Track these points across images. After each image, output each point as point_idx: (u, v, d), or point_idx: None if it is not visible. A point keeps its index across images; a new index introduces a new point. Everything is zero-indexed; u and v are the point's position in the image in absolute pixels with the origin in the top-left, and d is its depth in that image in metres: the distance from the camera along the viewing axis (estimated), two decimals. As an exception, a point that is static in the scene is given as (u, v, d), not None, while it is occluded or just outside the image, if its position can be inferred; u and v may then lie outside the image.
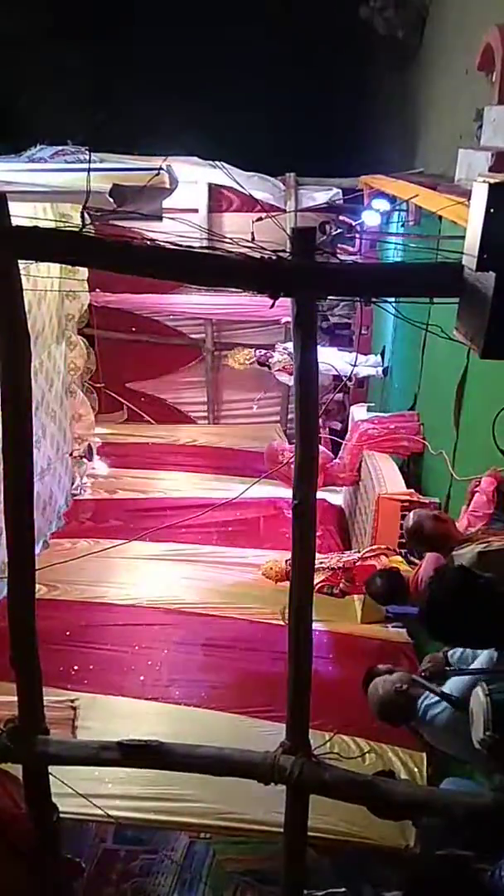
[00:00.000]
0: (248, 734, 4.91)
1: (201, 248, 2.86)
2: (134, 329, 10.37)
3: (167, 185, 4.74)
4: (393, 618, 5.90)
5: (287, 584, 4.77)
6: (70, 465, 8.96)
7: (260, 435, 9.87)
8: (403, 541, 5.52)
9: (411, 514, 4.05)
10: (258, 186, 8.91)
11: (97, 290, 9.65)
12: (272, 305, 2.75)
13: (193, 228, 3.02)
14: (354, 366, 8.39)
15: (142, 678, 5.60)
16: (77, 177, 4.57)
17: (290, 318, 9.47)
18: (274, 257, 2.65)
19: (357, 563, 5.51)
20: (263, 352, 9.23)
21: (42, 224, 2.91)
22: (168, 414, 10.79)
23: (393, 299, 3.03)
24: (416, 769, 4.64)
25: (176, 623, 6.22)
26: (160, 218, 6.99)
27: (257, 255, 2.71)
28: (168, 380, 10.76)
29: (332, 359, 8.32)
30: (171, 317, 10.31)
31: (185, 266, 2.75)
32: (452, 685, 2.95)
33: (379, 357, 8.91)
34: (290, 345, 9.00)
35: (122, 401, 10.66)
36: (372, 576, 4.53)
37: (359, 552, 5.72)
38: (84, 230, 2.78)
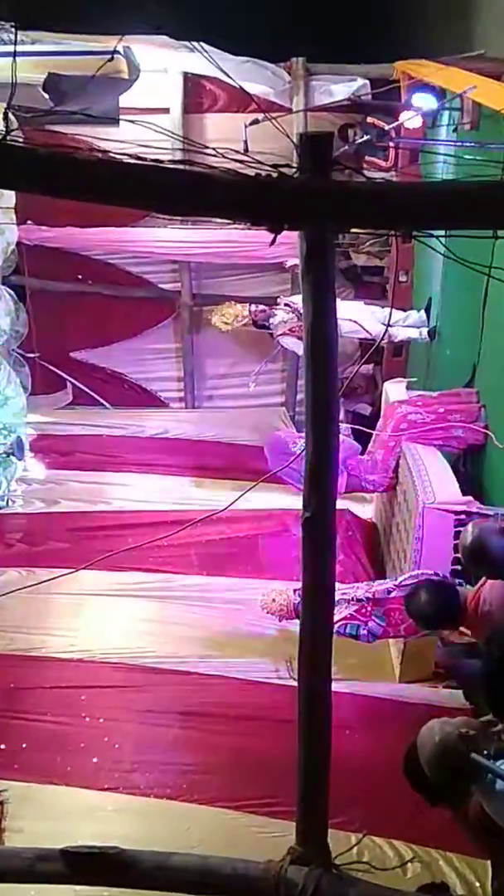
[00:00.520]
0: (242, 836, 4.93)
1: (174, 161, 2.86)
2: (81, 277, 10.41)
3: (125, 75, 4.74)
4: (444, 675, 5.94)
5: (295, 623, 4.80)
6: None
7: (258, 423, 9.90)
8: (458, 567, 5.57)
9: (469, 527, 4.10)
10: (253, 77, 8.91)
11: (29, 222, 9.66)
12: (272, 242, 2.75)
13: (164, 134, 3.02)
14: (389, 325, 8.39)
15: (95, 760, 5.59)
16: (-1, 63, 4.56)
17: (296, 261, 9.62)
18: (275, 174, 2.65)
19: (393, 595, 5.55)
20: (261, 308, 9.22)
21: None
22: (129, 395, 10.83)
23: (443, 233, 3.04)
24: (476, 882, 4.67)
25: (142, 684, 6.21)
26: (116, 121, 7.01)
27: (252, 173, 2.72)
28: (129, 347, 10.80)
29: (357, 315, 8.33)
30: (134, 259, 10.33)
31: (151, 188, 2.75)
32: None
33: (423, 314, 8.92)
34: (297, 298, 9.01)
35: (65, 377, 10.69)
36: (415, 588, 4.60)
37: (395, 580, 5.76)
38: (7, 138, 2.78)
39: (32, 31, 6.05)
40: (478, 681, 3.07)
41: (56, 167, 2.79)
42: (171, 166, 2.80)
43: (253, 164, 2.66)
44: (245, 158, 2.77)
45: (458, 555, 4.82)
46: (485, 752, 3.01)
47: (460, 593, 4.39)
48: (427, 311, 8.90)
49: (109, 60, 4.23)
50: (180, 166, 2.79)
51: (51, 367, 10.52)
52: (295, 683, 4.12)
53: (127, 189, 2.80)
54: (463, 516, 5.92)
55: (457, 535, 5.85)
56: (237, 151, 2.87)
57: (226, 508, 6.39)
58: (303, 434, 8.03)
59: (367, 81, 9.27)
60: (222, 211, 2.86)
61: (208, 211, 2.82)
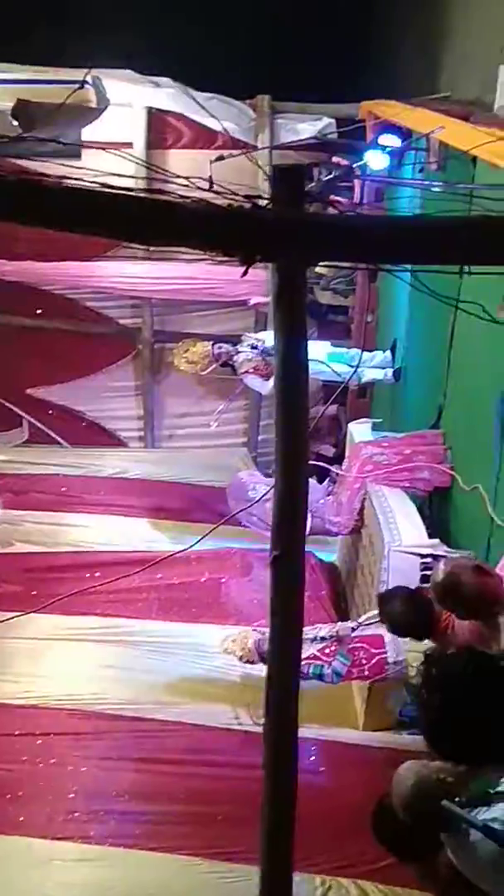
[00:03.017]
0: (201, 883, 4.93)
1: (143, 191, 2.87)
2: (39, 311, 10.38)
3: (93, 104, 4.78)
4: (408, 722, 5.91)
5: (258, 667, 4.76)
6: None
7: (219, 463, 9.88)
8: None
9: (441, 563, 4.11)
10: (218, 113, 9.02)
11: (-14, 255, 9.66)
12: (244, 273, 2.77)
13: (131, 164, 3.04)
14: (357, 366, 8.44)
15: (49, 809, 5.53)
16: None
17: (260, 299, 9.63)
18: (248, 205, 2.67)
19: (356, 634, 5.55)
20: (224, 347, 9.20)
21: None
22: (87, 433, 10.79)
23: (411, 269, 3.08)
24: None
25: (98, 731, 6.16)
26: (77, 154, 7.05)
27: (223, 203, 2.74)
28: (88, 385, 10.77)
29: (324, 356, 8.39)
30: (94, 295, 10.35)
31: (121, 217, 2.76)
32: (501, 815, 2.96)
33: (388, 355, 9.01)
34: (261, 336, 9.06)
35: (21, 414, 10.63)
36: (391, 593, 4.61)
37: (359, 619, 5.77)
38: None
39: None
40: (422, 731, 3.04)
41: (24, 194, 2.79)
42: (142, 195, 2.81)
43: (227, 195, 2.68)
44: (219, 189, 2.79)
45: (430, 590, 4.82)
46: (457, 799, 2.99)
47: (435, 610, 4.40)
48: (392, 351, 8.99)
49: (79, 88, 4.27)
50: (151, 196, 2.80)
51: (6, 404, 10.45)
52: (258, 729, 4.09)
53: (96, 217, 2.81)
54: (429, 559, 5.94)
55: (423, 578, 5.88)
56: (208, 180, 2.90)
57: (185, 550, 6.43)
58: (264, 477, 8.04)
59: (333, 120, 9.44)
60: (193, 241, 2.87)
61: (179, 241, 2.82)
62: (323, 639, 5.51)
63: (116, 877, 5.03)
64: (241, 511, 6.40)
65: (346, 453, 7.98)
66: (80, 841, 5.34)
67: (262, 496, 6.48)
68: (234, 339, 9.19)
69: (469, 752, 2.98)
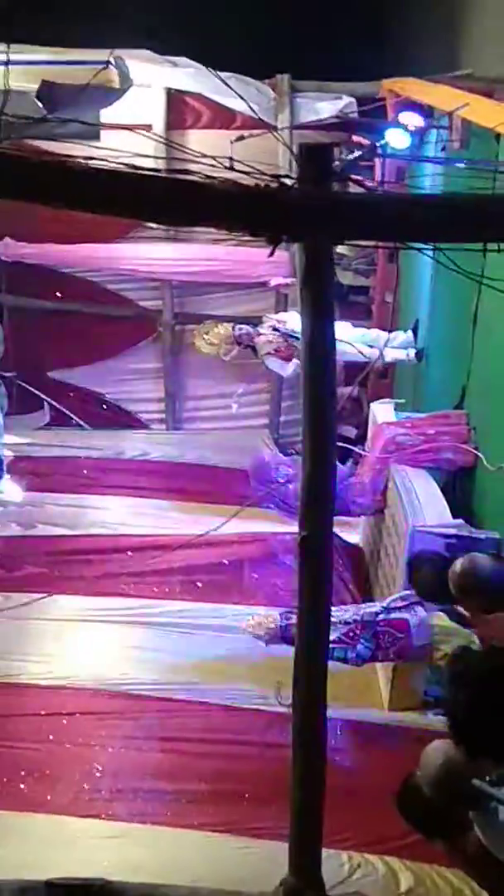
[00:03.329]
0: (232, 861, 4.95)
1: (167, 171, 2.88)
2: (60, 295, 10.39)
3: (116, 85, 4.77)
4: (433, 702, 5.92)
5: (282, 648, 4.77)
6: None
7: (240, 445, 9.87)
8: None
9: (461, 560, 4.07)
10: (239, 92, 8.94)
11: (6, 238, 9.66)
12: (271, 254, 2.76)
13: (155, 142, 3.02)
14: (381, 348, 8.36)
15: (75, 788, 5.59)
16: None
17: (281, 280, 9.56)
18: (274, 185, 2.67)
19: (381, 617, 5.54)
20: (245, 328, 9.17)
21: None
22: (108, 415, 10.81)
23: (435, 247, 3.07)
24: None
25: (123, 711, 6.21)
26: (97, 135, 7.01)
27: (249, 182, 2.73)
28: (109, 367, 10.78)
29: (347, 335, 8.31)
30: (115, 277, 10.34)
31: (147, 197, 2.76)
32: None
33: (410, 335, 8.95)
34: (283, 317, 9.03)
35: (43, 397, 10.65)
36: (419, 558, 4.60)
37: (384, 603, 5.76)
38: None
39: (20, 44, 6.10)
40: (448, 726, 3.04)
41: (50, 176, 2.80)
42: (168, 175, 2.82)
43: (253, 174, 2.68)
44: (244, 169, 2.79)
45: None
46: (488, 778, 2.99)
47: None
48: (414, 332, 8.94)
49: (104, 68, 4.27)
50: (175, 176, 2.80)
51: (28, 387, 10.47)
52: (283, 709, 4.11)
53: (122, 198, 2.81)
54: (453, 540, 5.91)
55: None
56: (230, 160, 2.89)
57: (208, 533, 6.45)
58: (286, 458, 8.03)
59: (353, 100, 9.37)
60: (220, 221, 2.87)
61: (206, 221, 2.83)
62: (347, 622, 5.51)
63: (143, 854, 5.06)
64: (264, 493, 6.38)
65: (369, 434, 7.96)
66: (106, 819, 5.40)
67: (287, 479, 6.51)
68: (255, 321, 9.15)
69: (494, 748, 2.98)
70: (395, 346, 8.87)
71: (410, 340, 8.89)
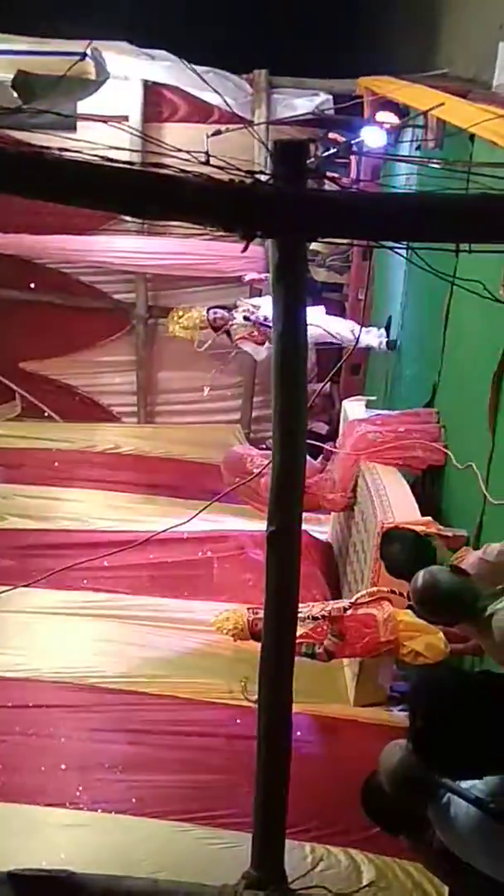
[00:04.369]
0: (196, 851, 4.99)
1: (143, 165, 2.87)
2: (33, 286, 10.34)
3: (92, 77, 4.77)
4: (399, 698, 5.97)
5: (251, 644, 4.78)
6: None
7: (212, 439, 9.91)
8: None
9: (421, 574, 4.05)
10: (216, 86, 8.96)
11: (-20, 228, 9.62)
12: (245, 249, 2.78)
13: (132, 135, 3.03)
14: (357, 333, 8.33)
15: (40, 778, 5.62)
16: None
17: (255, 275, 9.51)
18: (249, 180, 2.68)
19: (349, 612, 5.57)
20: (220, 312, 9.09)
21: None
22: (80, 408, 10.78)
23: (406, 245, 3.09)
24: (434, 892, 4.72)
25: (90, 704, 6.22)
26: (73, 126, 6.99)
27: (224, 178, 2.73)
28: (81, 359, 10.76)
29: (321, 320, 8.30)
30: (88, 269, 10.32)
31: (121, 190, 2.76)
32: (489, 786, 3.01)
33: (383, 331, 8.99)
34: (256, 302, 9.01)
35: (14, 387, 10.62)
36: (391, 536, 4.60)
37: (351, 599, 5.79)
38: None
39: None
40: (410, 740, 3.07)
41: (24, 166, 2.79)
42: (144, 169, 2.81)
43: (226, 170, 2.68)
44: (219, 163, 2.79)
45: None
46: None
47: (437, 554, 4.41)
48: (387, 329, 8.98)
49: (81, 60, 4.26)
50: (153, 170, 2.80)
51: (-1, 378, 10.45)
52: (249, 704, 4.11)
53: (96, 190, 2.80)
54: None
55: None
56: (205, 155, 2.89)
57: (177, 527, 6.44)
58: (260, 452, 8.04)
59: (330, 97, 9.39)
60: (193, 215, 2.88)
61: (180, 216, 2.82)
62: (315, 618, 5.54)
63: (106, 841, 5.10)
64: (239, 485, 6.39)
65: (340, 430, 7.99)
66: (70, 807, 5.42)
67: (258, 473, 6.52)
68: (230, 306, 9.09)
69: (447, 764, 3.02)
70: (368, 335, 8.88)
71: (383, 334, 8.91)
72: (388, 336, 8.92)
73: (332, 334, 8.24)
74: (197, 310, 9.13)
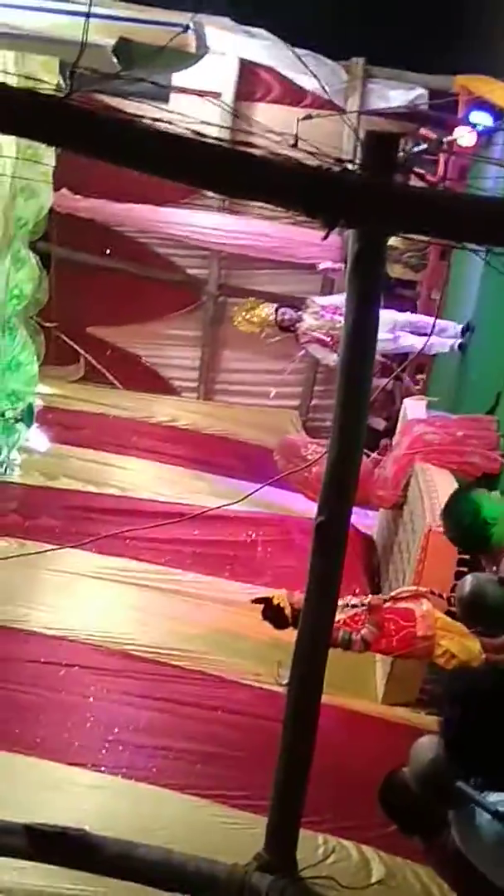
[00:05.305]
0: (210, 827, 5.00)
1: (232, 142, 2.88)
2: (109, 252, 10.41)
3: (192, 50, 4.77)
4: (429, 701, 5.94)
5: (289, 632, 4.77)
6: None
7: (269, 423, 9.91)
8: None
9: (467, 577, 4.02)
10: (312, 71, 8.91)
11: (63, 189, 9.68)
12: (325, 236, 2.77)
13: (223, 110, 3.03)
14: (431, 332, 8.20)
15: (66, 735, 5.69)
16: (68, 21, 4.58)
17: (330, 264, 9.42)
18: (337, 168, 2.67)
19: (388, 605, 5.55)
20: (289, 313, 9.04)
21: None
22: (142, 378, 10.84)
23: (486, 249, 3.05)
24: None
25: (121, 669, 6.28)
26: (166, 98, 7.01)
27: (312, 163, 2.73)
28: (148, 330, 10.81)
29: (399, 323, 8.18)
30: (164, 241, 10.35)
31: (209, 165, 2.77)
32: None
33: (458, 329, 8.79)
34: (329, 300, 8.98)
35: (80, 351, 10.71)
36: (454, 497, 4.57)
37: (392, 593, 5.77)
38: (69, 98, 2.80)
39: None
40: (442, 741, 3.05)
41: (116, 133, 2.81)
42: (233, 147, 2.82)
43: (318, 156, 2.68)
44: (308, 148, 2.79)
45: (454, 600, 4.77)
46: (472, 781, 3.02)
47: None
48: (463, 331, 8.78)
49: (183, 32, 4.26)
50: (242, 148, 2.80)
51: (66, 340, 10.52)
52: (279, 689, 4.12)
53: (183, 163, 2.82)
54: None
55: (460, 561, 5.85)
56: (294, 138, 2.89)
57: (228, 506, 6.48)
58: (315, 440, 8.00)
59: (426, 91, 9.30)
60: (278, 198, 2.87)
61: (264, 196, 2.83)
62: (354, 606, 5.51)
63: (123, 806, 5.15)
64: (291, 472, 6.39)
65: (398, 428, 7.94)
66: (92, 768, 5.48)
67: (311, 462, 6.51)
68: (299, 305, 9.08)
69: (480, 766, 3.00)
70: (443, 336, 8.70)
71: (457, 332, 8.69)
72: (462, 338, 8.75)
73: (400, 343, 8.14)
74: (267, 307, 9.10)
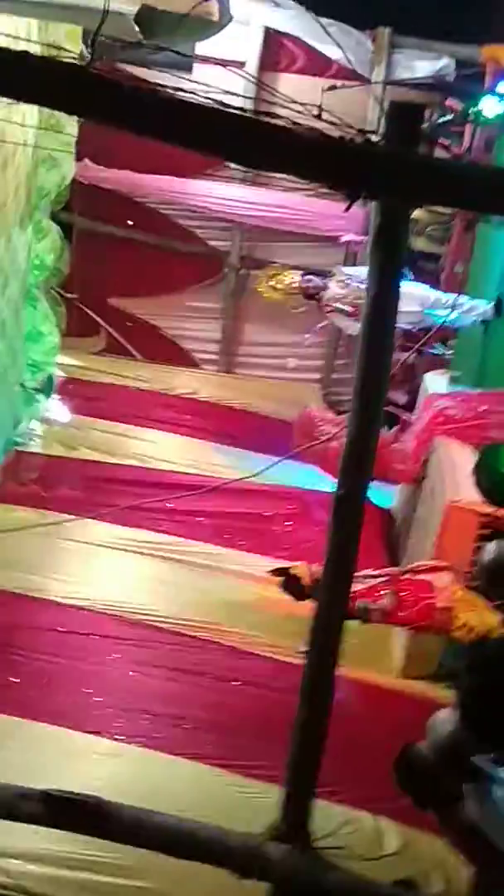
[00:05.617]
0: (225, 797, 5.06)
1: (255, 112, 2.85)
2: (131, 223, 10.38)
3: (215, 18, 4.72)
4: (448, 674, 5.94)
5: (306, 606, 4.78)
6: (17, 399, 9.00)
7: (289, 396, 9.89)
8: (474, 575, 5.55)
9: (490, 545, 4.02)
10: (337, 41, 8.81)
11: (86, 159, 9.65)
12: (348, 208, 2.74)
13: (245, 79, 3.00)
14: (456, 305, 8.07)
15: (83, 704, 5.77)
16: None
17: (353, 237, 9.34)
18: (360, 139, 2.64)
19: (406, 577, 5.54)
20: (314, 280, 8.93)
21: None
22: (163, 349, 10.83)
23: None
24: (454, 872, 4.72)
25: (139, 638, 6.35)
26: (189, 67, 6.96)
27: (335, 134, 2.70)
28: (170, 302, 10.78)
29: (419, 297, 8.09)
30: (186, 213, 10.31)
31: (232, 136, 2.74)
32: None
33: (490, 307, 8.63)
34: (355, 270, 8.88)
35: (101, 322, 10.70)
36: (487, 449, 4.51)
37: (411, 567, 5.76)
38: (91, 66, 2.78)
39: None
40: (460, 716, 3.06)
41: (138, 102, 2.79)
42: (256, 117, 2.79)
43: (341, 126, 2.65)
44: (330, 119, 2.76)
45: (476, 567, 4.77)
46: (491, 756, 3.03)
47: None
48: (497, 307, 8.55)
49: (207, 0, 4.21)
50: (264, 119, 2.78)
51: (87, 311, 10.52)
52: (292, 661, 4.13)
53: (206, 133, 2.79)
54: (490, 519, 5.87)
55: (479, 537, 5.84)
56: (319, 109, 2.86)
57: (246, 479, 6.50)
58: (333, 416, 7.97)
59: (452, 61, 9.18)
60: (301, 169, 2.84)
61: (287, 168, 2.80)
62: (373, 577, 5.50)
63: (138, 774, 5.20)
64: (308, 446, 6.38)
65: (419, 402, 7.91)
66: (107, 736, 5.53)
67: (330, 437, 6.49)
68: (325, 273, 8.97)
69: (499, 737, 3.01)
70: (467, 311, 8.53)
71: (485, 310, 8.48)
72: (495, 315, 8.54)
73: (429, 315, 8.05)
74: (290, 273, 8.99)
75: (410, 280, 8.27)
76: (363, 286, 8.29)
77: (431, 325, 8.22)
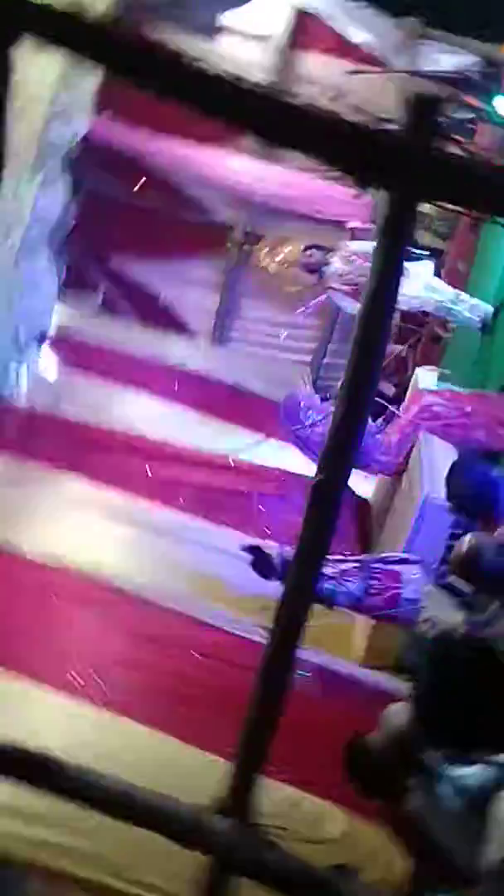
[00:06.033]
0: (177, 767, 5.06)
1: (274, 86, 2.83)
2: (139, 186, 10.29)
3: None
4: (407, 668, 5.97)
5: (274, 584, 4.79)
6: (8, 351, 8.93)
7: (279, 375, 9.88)
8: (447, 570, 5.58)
9: (468, 536, 4.05)
10: (365, 25, 8.76)
11: (100, 117, 9.55)
12: (358, 195, 2.73)
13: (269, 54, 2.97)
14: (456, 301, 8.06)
15: (43, 659, 5.74)
16: None
17: (359, 224, 9.32)
18: (378, 126, 2.62)
19: (376, 566, 5.57)
20: (316, 255, 8.62)
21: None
22: (159, 315, 10.79)
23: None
24: (393, 861, 4.76)
25: (104, 600, 6.34)
26: (212, 36, 6.94)
27: (354, 119, 2.68)
28: (170, 269, 10.72)
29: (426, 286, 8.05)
30: (195, 182, 10.23)
31: (248, 108, 2.71)
32: (474, 776, 3.03)
33: (489, 309, 8.62)
34: (360, 246, 8.80)
35: (99, 282, 10.63)
36: (462, 463, 4.52)
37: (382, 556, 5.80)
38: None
39: None
40: (414, 707, 3.08)
41: (161, 65, 2.75)
42: (274, 91, 2.76)
43: (360, 111, 2.63)
44: (353, 102, 2.74)
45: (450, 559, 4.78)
46: (440, 754, 3.06)
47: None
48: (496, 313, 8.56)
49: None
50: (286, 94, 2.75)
51: (86, 270, 10.46)
52: (256, 637, 4.13)
53: (224, 103, 2.76)
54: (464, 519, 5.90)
55: (452, 535, 5.87)
56: (346, 91, 2.84)
57: (229, 455, 6.49)
58: (320, 401, 7.99)
59: (478, 59, 9.13)
60: (316, 151, 2.81)
61: (302, 147, 2.77)
62: (343, 561, 5.53)
63: (89, 737, 5.18)
64: (292, 430, 6.39)
65: (407, 396, 7.93)
66: (64, 694, 5.50)
67: (314, 422, 6.51)
68: (329, 247, 8.82)
69: (449, 736, 3.03)
70: (466, 310, 8.53)
71: (484, 310, 8.48)
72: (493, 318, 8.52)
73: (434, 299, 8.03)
74: (293, 245, 8.94)
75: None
76: (367, 264, 8.29)
77: (431, 309, 8.22)
